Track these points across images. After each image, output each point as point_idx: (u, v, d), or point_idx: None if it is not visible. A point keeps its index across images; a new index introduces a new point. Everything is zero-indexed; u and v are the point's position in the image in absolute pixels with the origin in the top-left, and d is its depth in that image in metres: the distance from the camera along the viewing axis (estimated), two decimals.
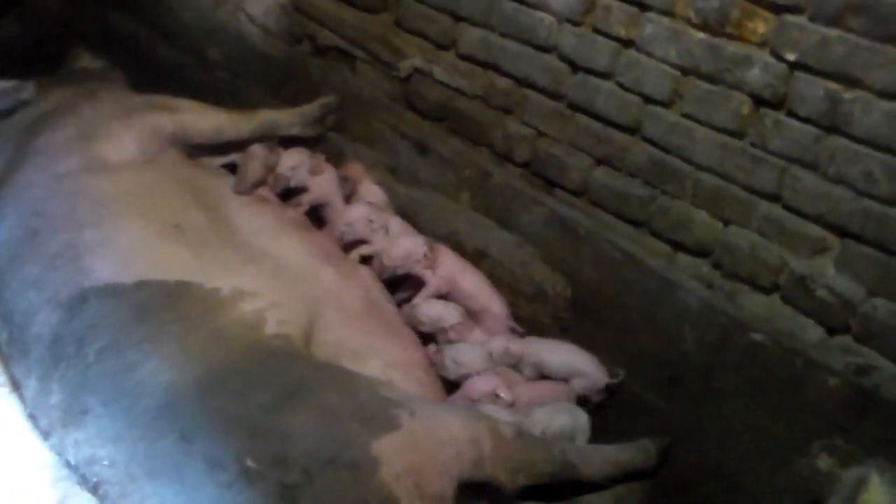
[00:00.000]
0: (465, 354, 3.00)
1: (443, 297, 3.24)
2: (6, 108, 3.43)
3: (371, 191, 3.57)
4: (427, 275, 3.25)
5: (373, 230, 3.37)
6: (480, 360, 3.00)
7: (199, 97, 3.69)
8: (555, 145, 3.27)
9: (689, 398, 2.89)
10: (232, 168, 3.62)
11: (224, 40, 4.16)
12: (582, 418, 2.89)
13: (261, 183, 3.47)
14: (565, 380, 3.04)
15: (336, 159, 3.72)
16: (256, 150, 3.53)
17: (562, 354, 3.08)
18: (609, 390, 3.01)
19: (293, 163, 3.52)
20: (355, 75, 3.84)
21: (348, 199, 3.56)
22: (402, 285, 3.35)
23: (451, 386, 3.00)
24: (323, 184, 3.54)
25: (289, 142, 3.72)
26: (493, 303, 3.23)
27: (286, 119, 3.76)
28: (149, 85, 3.85)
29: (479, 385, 2.90)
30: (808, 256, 2.70)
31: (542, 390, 3.01)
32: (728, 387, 2.80)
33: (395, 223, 3.43)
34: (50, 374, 2.50)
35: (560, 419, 2.83)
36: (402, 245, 3.28)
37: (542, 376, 3.08)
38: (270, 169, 3.51)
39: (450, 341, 3.09)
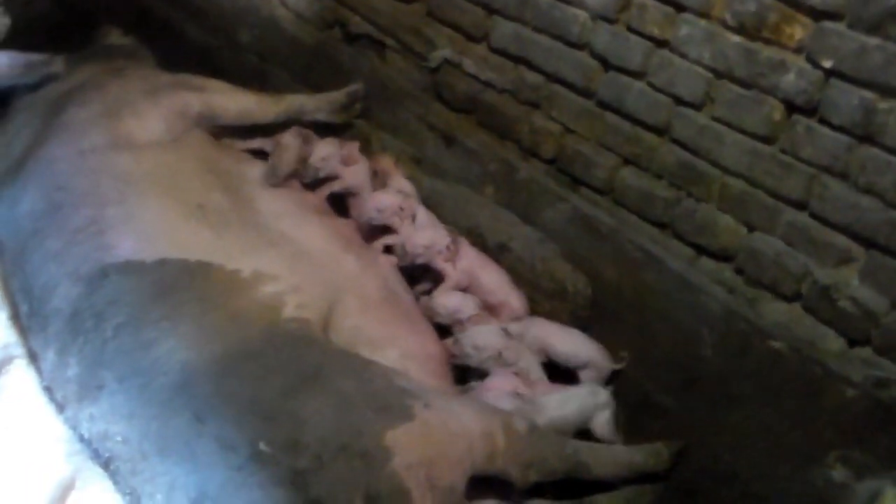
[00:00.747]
0: (483, 338, 2.99)
1: (462, 290, 3.23)
2: (35, 82, 3.44)
3: (401, 184, 3.55)
4: (447, 268, 3.24)
5: (402, 218, 3.36)
6: (499, 340, 2.99)
7: (226, 79, 3.69)
8: (582, 143, 3.25)
9: (704, 402, 2.87)
10: (256, 152, 3.62)
11: (254, 23, 4.16)
12: (602, 395, 2.89)
13: (293, 175, 3.47)
14: (573, 369, 3.05)
15: (362, 148, 3.71)
16: (289, 139, 3.51)
17: (569, 342, 3.09)
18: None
19: (324, 154, 3.50)
20: (385, 64, 3.83)
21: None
22: (421, 278, 3.34)
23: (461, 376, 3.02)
24: (355, 173, 3.52)
25: (322, 130, 3.71)
26: (512, 298, 3.22)
27: (312, 104, 3.75)
28: (177, 65, 3.85)
29: (498, 383, 2.89)
30: (832, 266, 2.68)
31: (552, 386, 2.99)
32: (745, 393, 2.78)
33: (422, 213, 3.42)
34: (68, 348, 2.50)
35: (570, 406, 2.82)
36: (426, 235, 3.28)
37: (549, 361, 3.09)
38: (303, 159, 3.50)
39: None
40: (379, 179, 3.56)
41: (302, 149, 3.52)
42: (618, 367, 3.03)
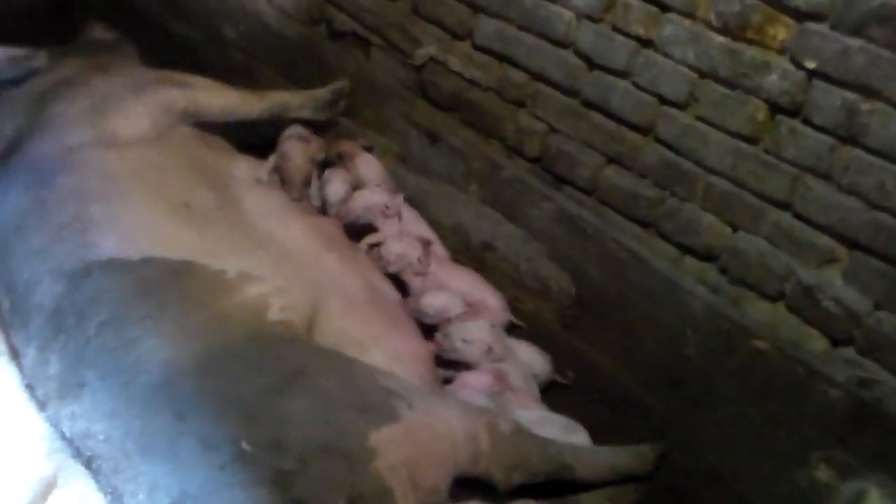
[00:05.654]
0: (473, 332, 3.00)
1: None
2: (17, 76, 3.42)
3: (368, 163, 3.56)
4: (415, 281, 3.26)
5: (386, 217, 3.36)
6: (489, 335, 3.00)
7: (211, 75, 3.68)
8: (567, 142, 3.25)
9: (688, 402, 2.87)
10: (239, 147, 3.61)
11: (240, 19, 4.14)
12: (578, 432, 2.85)
13: (308, 182, 3.50)
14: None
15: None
16: (290, 148, 3.54)
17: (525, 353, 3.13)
18: None
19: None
20: (370, 61, 3.82)
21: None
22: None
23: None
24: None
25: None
26: (488, 297, 3.22)
27: (297, 101, 3.75)
28: (161, 60, 3.83)
29: (473, 381, 2.88)
30: (815, 266, 2.68)
31: (533, 398, 2.99)
32: (728, 393, 2.79)
33: (407, 215, 3.43)
34: (49, 345, 2.49)
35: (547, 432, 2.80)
36: (399, 245, 3.29)
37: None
38: (311, 161, 3.52)
39: None
40: (343, 162, 3.58)
41: (306, 150, 3.53)
42: (563, 381, 3.11)
